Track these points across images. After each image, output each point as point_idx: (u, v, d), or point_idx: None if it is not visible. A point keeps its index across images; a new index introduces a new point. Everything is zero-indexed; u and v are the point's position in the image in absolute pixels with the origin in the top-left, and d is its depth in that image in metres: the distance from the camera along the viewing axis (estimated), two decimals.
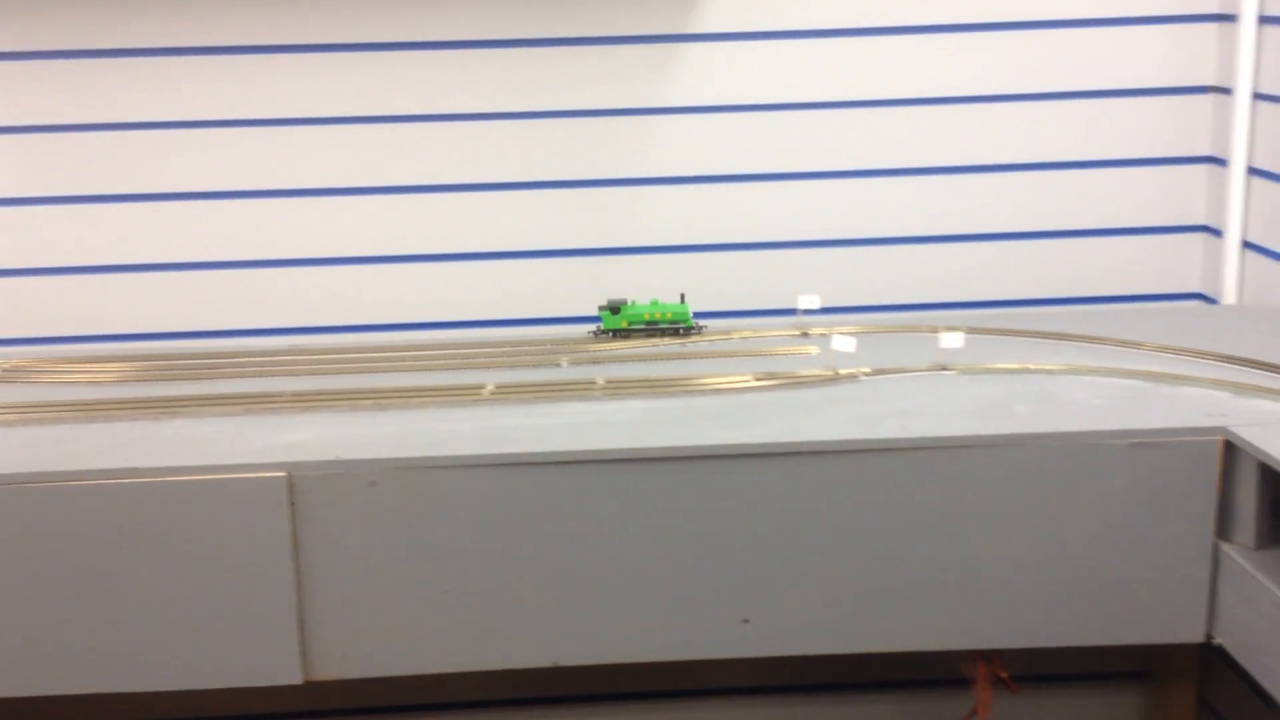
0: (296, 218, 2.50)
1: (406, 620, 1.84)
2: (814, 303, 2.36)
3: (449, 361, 2.24)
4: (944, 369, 2.10)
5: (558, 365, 2.22)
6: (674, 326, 2.35)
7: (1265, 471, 1.76)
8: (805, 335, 2.34)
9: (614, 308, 2.37)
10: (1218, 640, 1.85)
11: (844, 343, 2.11)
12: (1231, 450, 1.80)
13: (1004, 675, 2.13)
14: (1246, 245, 2.46)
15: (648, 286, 2.52)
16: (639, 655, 1.88)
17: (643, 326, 2.36)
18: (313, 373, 2.20)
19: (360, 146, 2.47)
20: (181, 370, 2.23)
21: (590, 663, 1.87)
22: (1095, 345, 2.21)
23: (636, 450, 1.81)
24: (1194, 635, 1.87)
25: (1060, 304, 2.53)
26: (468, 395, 2.04)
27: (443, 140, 2.48)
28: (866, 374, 2.10)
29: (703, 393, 2.05)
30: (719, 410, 1.97)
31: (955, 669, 2.23)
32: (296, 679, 1.82)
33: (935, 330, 2.20)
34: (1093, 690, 2.58)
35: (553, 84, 2.45)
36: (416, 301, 2.55)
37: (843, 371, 2.10)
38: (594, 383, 2.09)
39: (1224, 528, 1.83)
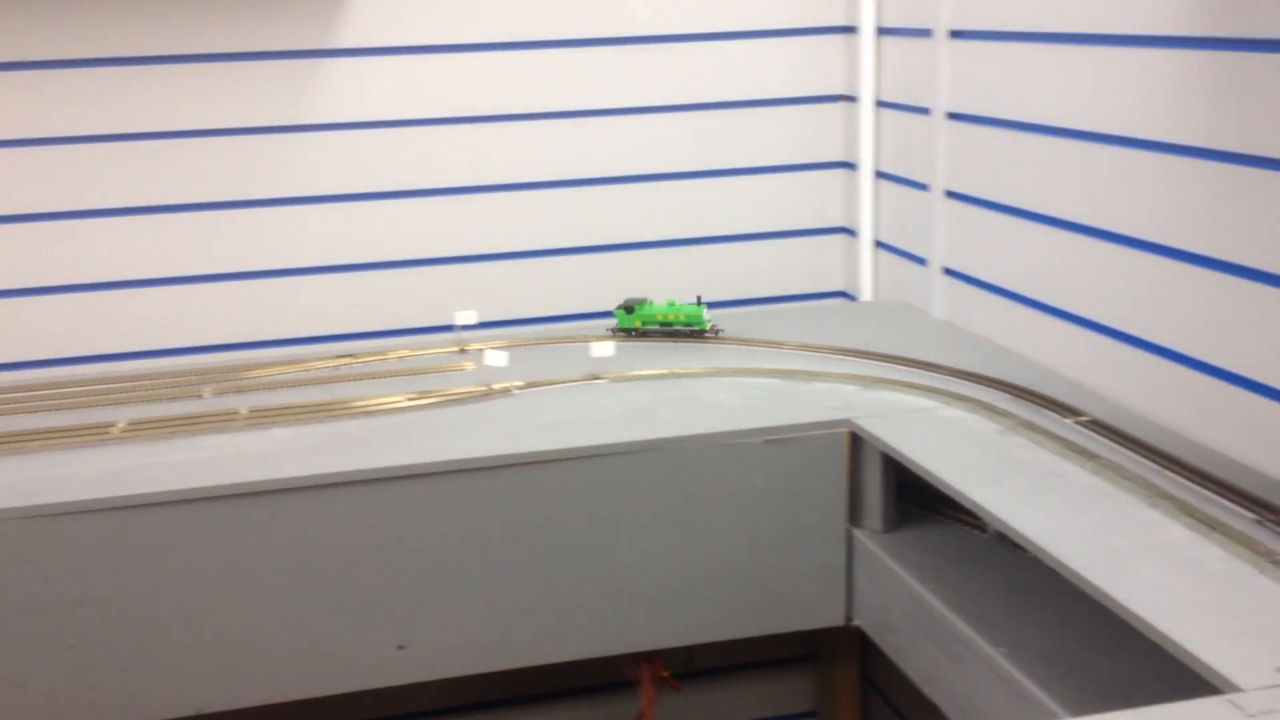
0: None
1: (29, 681, 1.71)
2: (471, 318, 2.34)
3: (78, 400, 2.10)
4: (595, 378, 2.12)
5: (199, 397, 2.12)
6: (689, 328, 2.31)
7: (888, 460, 1.86)
8: (463, 352, 2.32)
9: (628, 307, 2.31)
10: (856, 622, 1.95)
11: (496, 357, 2.10)
12: (857, 441, 1.89)
13: (665, 675, 2.18)
14: (878, 245, 2.60)
15: (316, 307, 2.45)
16: (290, 693, 1.81)
17: (657, 327, 2.31)
18: None
19: None
20: None
21: (239, 706, 1.80)
22: (741, 346, 2.28)
23: (272, 482, 1.75)
24: (835, 619, 1.96)
25: (714, 307, 2.60)
26: (95, 435, 1.92)
27: (86, 161, 2.32)
28: (519, 387, 2.10)
29: (352, 415, 2.00)
30: (368, 433, 1.93)
31: (620, 673, 2.27)
32: None
33: (587, 340, 2.23)
34: (765, 677, 2.67)
35: (188, 101, 2.34)
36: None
37: (496, 386, 2.09)
38: (237, 413, 2.01)
39: (855, 515, 1.93)
